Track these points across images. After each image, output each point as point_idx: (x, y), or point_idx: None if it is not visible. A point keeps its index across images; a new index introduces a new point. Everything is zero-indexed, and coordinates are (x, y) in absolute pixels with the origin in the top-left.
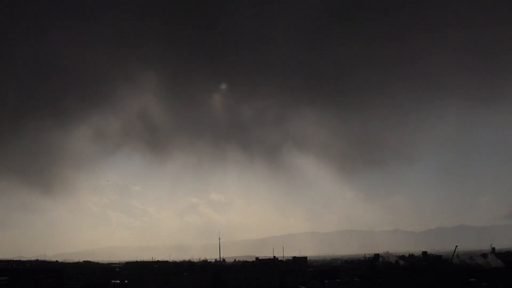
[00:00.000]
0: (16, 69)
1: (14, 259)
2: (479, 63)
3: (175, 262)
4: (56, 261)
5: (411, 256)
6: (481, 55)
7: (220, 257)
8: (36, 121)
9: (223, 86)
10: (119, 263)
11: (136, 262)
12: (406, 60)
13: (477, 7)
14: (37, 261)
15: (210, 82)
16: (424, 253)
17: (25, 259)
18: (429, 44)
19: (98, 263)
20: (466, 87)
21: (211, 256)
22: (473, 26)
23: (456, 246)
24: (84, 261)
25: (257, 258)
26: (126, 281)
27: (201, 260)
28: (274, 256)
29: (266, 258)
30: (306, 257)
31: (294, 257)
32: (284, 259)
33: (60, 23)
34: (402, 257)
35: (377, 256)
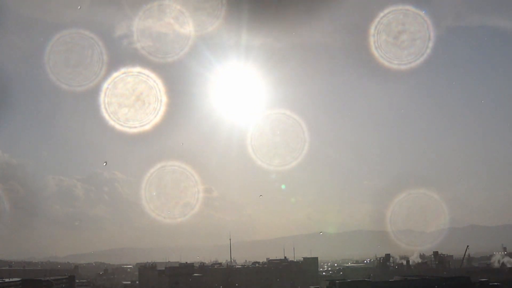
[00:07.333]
0: None
1: (26, 260)
2: None
3: (186, 263)
4: (68, 262)
5: (422, 256)
6: None
7: (231, 259)
8: None
9: None
10: (130, 264)
11: (147, 263)
12: None
13: None
14: (48, 262)
15: None
16: (435, 253)
17: (37, 261)
18: None
19: (109, 264)
20: None
21: (222, 257)
22: None
23: (468, 246)
24: (95, 262)
25: (267, 259)
26: (137, 282)
27: (212, 261)
28: (285, 257)
29: (277, 259)
30: (317, 258)
31: (305, 258)
32: (295, 260)
33: None
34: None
35: (388, 256)
